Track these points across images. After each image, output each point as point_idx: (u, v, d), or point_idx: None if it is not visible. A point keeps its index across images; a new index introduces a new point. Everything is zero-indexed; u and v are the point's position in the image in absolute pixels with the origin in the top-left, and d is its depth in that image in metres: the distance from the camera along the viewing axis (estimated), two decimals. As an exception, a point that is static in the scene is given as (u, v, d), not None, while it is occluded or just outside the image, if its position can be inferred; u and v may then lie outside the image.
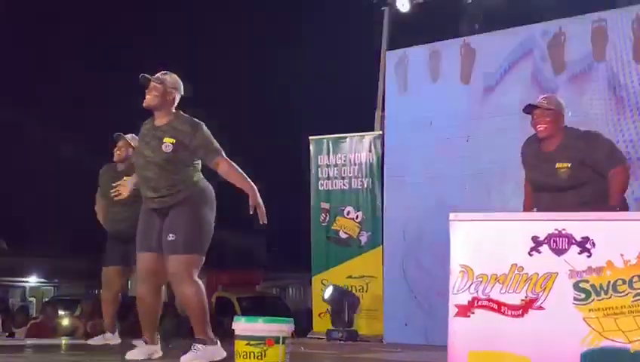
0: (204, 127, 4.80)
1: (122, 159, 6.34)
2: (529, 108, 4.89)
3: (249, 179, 4.72)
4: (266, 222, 4.69)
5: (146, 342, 4.91)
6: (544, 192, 4.87)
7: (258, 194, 4.67)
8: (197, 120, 4.83)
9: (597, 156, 4.76)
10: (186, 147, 4.72)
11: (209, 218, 4.78)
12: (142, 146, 4.86)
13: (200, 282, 4.75)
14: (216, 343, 4.67)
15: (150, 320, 4.90)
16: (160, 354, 4.94)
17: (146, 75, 4.82)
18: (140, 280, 4.86)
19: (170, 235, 4.66)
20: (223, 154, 4.78)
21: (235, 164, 4.77)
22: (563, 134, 4.84)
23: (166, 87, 4.81)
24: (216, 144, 4.79)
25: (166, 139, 4.71)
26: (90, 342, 6.51)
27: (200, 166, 4.85)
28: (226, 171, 4.75)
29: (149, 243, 4.77)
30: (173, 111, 4.86)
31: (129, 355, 4.83)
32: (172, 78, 4.88)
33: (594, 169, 4.77)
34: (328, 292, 7.79)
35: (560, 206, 4.53)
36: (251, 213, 4.68)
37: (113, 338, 6.40)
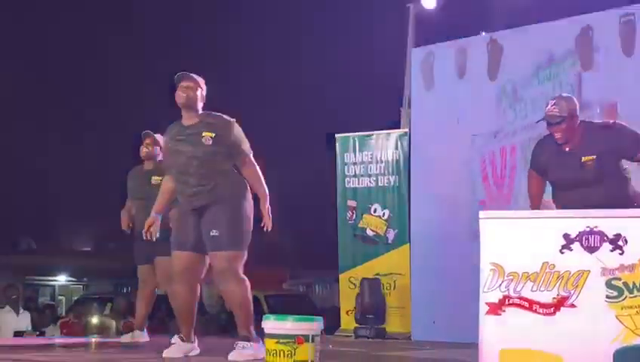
0: (237, 125, 4.87)
1: (149, 156, 6.38)
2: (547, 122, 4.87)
3: (265, 186, 4.81)
4: (270, 229, 4.78)
5: (182, 340, 4.93)
6: (570, 190, 4.83)
7: (268, 203, 4.77)
8: (230, 118, 4.88)
9: (623, 143, 4.77)
10: (224, 141, 4.76)
11: (249, 213, 4.84)
12: (177, 145, 4.87)
13: (245, 278, 4.77)
14: (259, 341, 4.67)
15: (187, 317, 4.93)
16: (197, 351, 4.97)
17: (186, 73, 4.87)
18: (176, 279, 4.89)
19: (214, 231, 4.70)
20: (250, 155, 4.87)
21: (257, 166, 4.87)
22: (582, 129, 4.83)
23: (199, 85, 4.88)
24: (247, 143, 4.87)
25: (205, 133, 4.76)
26: (121, 339, 6.58)
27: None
28: (252, 171, 4.81)
29: (185, 243, 4.82)
30: (201, 110, 4.91)
31: (167, 353, 4.86)
32: (199, 77, 4.94)
33: (621, 156, 4.77)
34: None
35: (587, 202, 4.50)
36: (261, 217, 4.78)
37: (142, 336, 6.45)
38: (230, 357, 4.62)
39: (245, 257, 4.80)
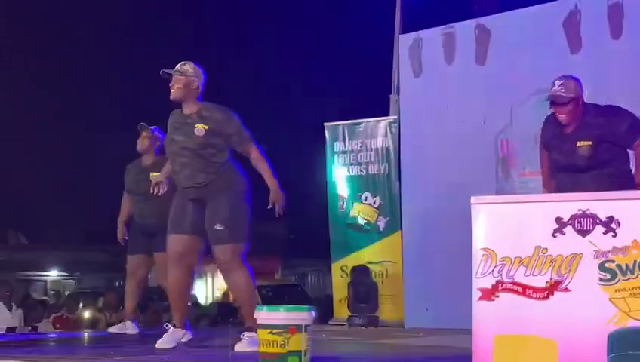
0: (236, 115, 4.87)
1: (145, 149, 6.34)
2: (551, 101, 4.80)
3: (273, 175, 4.84)
4: (282, 214, 4.83)
5: (174, 326, 4.92)
6: (564, 173, 4.82)
7: (280, 190, 4.80)
8: (227, 108, 4.88)
9: (618, 130, 4.70)
10: (218, 134, 4.78)
11: (248, 204, 4.90)
12: (173, 134, 4.92)
13: (248, 267, 4.81)
14: None
15: (180, 303, 4.96)
16: (189, 336, 4.97)
17: (166, 71, 4.86)
18: (171, 263, 4.91)
19: (218, 225, 4.76)
20: (254, 143, 4.89)
21: (262, 154, 4.88)
22: (584, 111, 4.78)
23: (187, 77, 4.84)
24: (248, 132, 4.88)
25: (198, 125, 4.78)
26: (110, 330, 6.55)
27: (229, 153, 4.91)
28: (258, 158, 4.86)
29: (180, 226, 4.85)
30: (200, 100, 4.89)
31: (159, 344, 4.86)
32: (191, 66, 4.91)
33: (616, 144, 4.71)
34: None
35: (578, 188, 4.48)
36: (269, 207, 4.77)
37: (132, 328, 6.42)
38: (236, 347, 4.64)
39: (246, 246, 4.85)
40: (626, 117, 4.81)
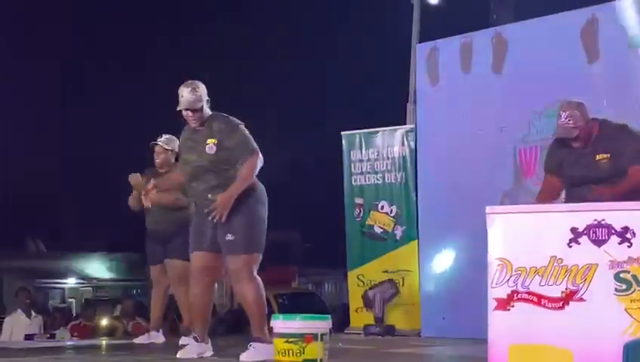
0: (242, 127, 4.84)
1: (163, 165, 6.38)
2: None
3: (243, 186, 4.73)
4: (215, 221, 4.74)
5: (196, 340, 4.94)
6: (581, 186, 4.81)
7: (230, 201, 4.67)
8: (235, 120, 4.87)
9: (622, 149, 4.69)
10: (225, 147, 4.77)
11: (263, 215, 4.89)
12: (186, 152, 4.95)
13: (259, 280, 4.80)
14: (272, 342, 4.70)
15: (202, 317, 4.95)
16: (211, 352, 4.97)
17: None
18: (193, 279, 4.93)
19: (229, 235, 4.75)
20: (256, 155, 4.81)
21: (255, 167, 4.79)
22: (597, 127, 4.79)
23: (202, 106, 4.86)
24: (253, 145, 4.83)
25: (209, 140, 4.79)
26: (136, 341, 6.55)
27: None
28: (247, 165, 4.76)
29: (201, 243, 4.86)
30: (210, 112, 4.91)
31: (180, 354, 4.87)
32: (195, 92, 4.86)
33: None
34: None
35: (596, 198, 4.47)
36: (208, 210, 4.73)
37: (158, 337, 6.44)
38: (242, 357, 4.64)
39: (260, 258, 4.85)
40: (633, 137, 4.79)
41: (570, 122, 4.74)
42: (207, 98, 4.92)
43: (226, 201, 4.69)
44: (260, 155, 4.85)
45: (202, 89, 4.92)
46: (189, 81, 4.91)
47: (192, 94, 4.84)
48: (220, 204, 4.70)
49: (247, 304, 4.83)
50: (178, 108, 4.87)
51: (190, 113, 4.86)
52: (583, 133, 4.78)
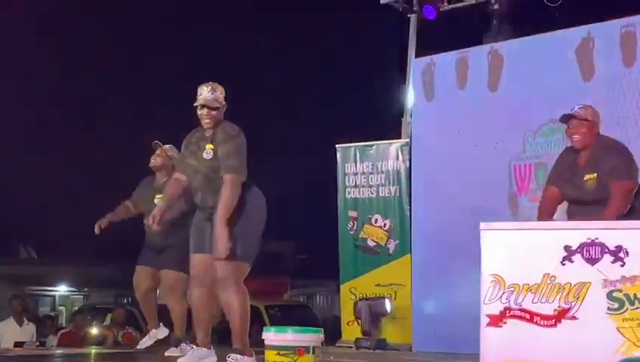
0: (237, 140, 4.75)
1: (157, 167, 6.34)
2: (566, 118, 4.82)
3: (227, 213, 4.63)
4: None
5: (197, 345, 4.89)
6: (575, 205, 4.80)
7: (223, 234, 4.59)
8: (234, 130, 4.82)
9: (604, 166, 4.66)
10: (217, 155, 4.75)
11: (257, 226, 4.82)
12: (187, 155, 4.92)
13: (245, 290, 4.76)
14: (252, 353, 4.65)
15: (204, 321, 4.89)
16: (215, 358, 4.90)
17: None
18: (195, 283, 4.89)
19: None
20: (231, 175, 4.68)
21: (232, 189, 4.67)
22: (595, 145, 4.78)
23: (219, 107, 4.86)
24: (236, 161, 4.71)
25: (207, 146, 4.77)
26: (140, 346, 6.45)
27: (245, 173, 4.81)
28: (225, 186, 4.66)
29: (202, 246, 4.82)
30: (222, 120, 4.88)
31: (181, 360, 4.83)
32: (214, 92, 4.86)
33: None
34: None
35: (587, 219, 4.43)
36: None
37: (160, 332, 6.35)
38: None
39: (249, 269, 4.80)
40: (616, 156, 4.70)
41: (581, 110, 4.77)
42: (225, 103, 4.90)
43: (220, 239, 4.62)
44: (240, 172, 4.72)
45: (221, 91, 4.91)
46: (210, 82, 4.92)
47: (210, 93, 4.84)
48: (218, 244, 4.63)
49: (232, 313, 4.76)
50: (195, 104, 4.84)
51: (205, 111, 4.82)
52: (587, 132, 4.72)
